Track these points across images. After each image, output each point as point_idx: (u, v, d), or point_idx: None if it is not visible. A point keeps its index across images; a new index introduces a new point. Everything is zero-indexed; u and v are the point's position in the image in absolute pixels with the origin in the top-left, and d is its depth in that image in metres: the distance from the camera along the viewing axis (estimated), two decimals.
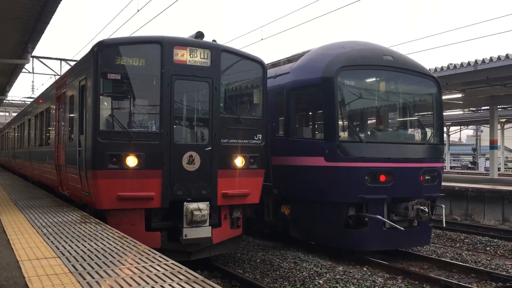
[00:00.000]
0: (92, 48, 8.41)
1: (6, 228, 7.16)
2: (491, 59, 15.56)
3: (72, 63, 21.07)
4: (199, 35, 9.14)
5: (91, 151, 8.16)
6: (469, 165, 54.75)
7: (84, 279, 4.35)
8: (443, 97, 13.16)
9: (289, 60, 12.21)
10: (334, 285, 8.60)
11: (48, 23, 11.24)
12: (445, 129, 39.01)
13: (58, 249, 5.65)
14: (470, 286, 8.70)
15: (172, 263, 5.00)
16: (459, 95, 19.69)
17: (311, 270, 9.42)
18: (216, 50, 8.95)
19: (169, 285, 4.18)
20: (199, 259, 9.11)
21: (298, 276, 9.07)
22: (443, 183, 12.02)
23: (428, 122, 12.17)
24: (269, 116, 10.49)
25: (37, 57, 24.71)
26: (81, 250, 5.59)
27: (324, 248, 11.08)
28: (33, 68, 24.91)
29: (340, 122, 10.22)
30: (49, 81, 29.08)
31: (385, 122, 11.93)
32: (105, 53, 8.20)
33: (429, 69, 14.04)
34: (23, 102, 40.43)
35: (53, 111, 12.66)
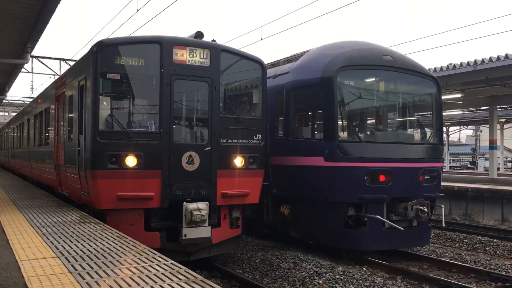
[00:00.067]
0: (92, 48, 8.39)
1: (5, 228, 7.15)
2: (490, 59, 15.55)
3: (72, 63, 21.07)
4: (199, 35, 9.13)
5: (91, 151, 8.15)
6: (469, 165, 54.85)
7: (84, 279, 4.35)
8: (443, 97, 13.15)
9: (288, 60, 12.20)
10: (333, 285, 8.60)
11: (48, 23, 11.23)
12: (444, 129, 39.05)
13: (58, 249, 5.65)
14: (469, 286, 8.70)
15: (171, 263, 4.99)
16: (459, 95, 19.69)
17: (311, 270, 9.42)
18: (216, 50, 8.94)
19: (169, 285, 4.18)
20: (198, 259, 9.11)
21: (298, 276, 9.07)
22: (442, 183, 12.03)
23: (428, 122, 12.16)
24: (268, 116, 10.49)
25: (37, 57, 24.70)
26: (81, 250, 5.59)
27: (324, 248, 11.07)
28: (32, 68, 24.95)
29: (340, 122, 10.21)
30: (49, 81, 29.13)
31: (384, 122, 11.92)
32: (104, 53, 8.19)
33: (429, 69, 14.04)
34: (22, 102, 40.45)
35: (53, 111, 12.64)
